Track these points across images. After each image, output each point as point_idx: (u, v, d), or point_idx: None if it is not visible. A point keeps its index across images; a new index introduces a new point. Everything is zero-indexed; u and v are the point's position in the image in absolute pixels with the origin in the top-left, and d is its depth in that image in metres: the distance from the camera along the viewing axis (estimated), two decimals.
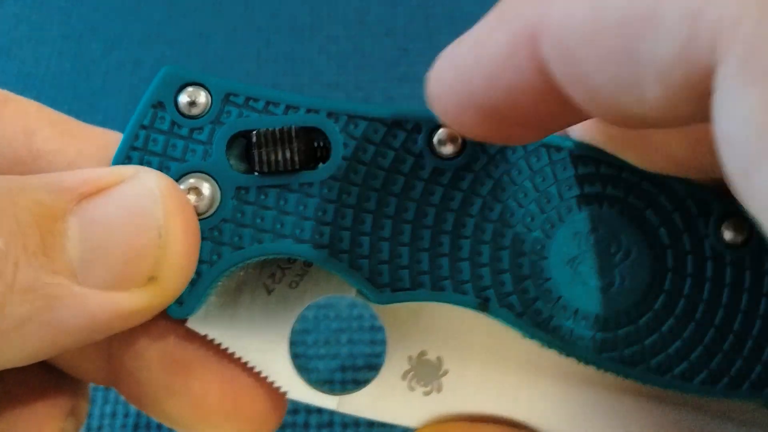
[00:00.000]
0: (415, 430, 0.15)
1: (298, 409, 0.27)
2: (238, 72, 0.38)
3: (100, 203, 0.12)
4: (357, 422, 0.27)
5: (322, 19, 0.40)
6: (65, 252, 0.11)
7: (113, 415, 0.27)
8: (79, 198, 0.12)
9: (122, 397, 0.28)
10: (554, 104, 0.10)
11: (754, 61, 0.07)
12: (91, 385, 0.19)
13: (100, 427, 0.27)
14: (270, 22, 0.40)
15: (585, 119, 0.12)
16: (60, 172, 0.12)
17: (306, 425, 0.27)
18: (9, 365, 0.11)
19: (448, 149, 0.14)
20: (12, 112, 0.14)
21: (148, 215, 0.12)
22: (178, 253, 0.12)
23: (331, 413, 0.27)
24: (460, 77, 0.12)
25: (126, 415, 0.27)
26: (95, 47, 0.39)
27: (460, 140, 0.14)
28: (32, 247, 0.11)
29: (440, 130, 0.14)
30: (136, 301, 0.12)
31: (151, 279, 0.12)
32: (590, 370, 0.14)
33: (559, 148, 0.14)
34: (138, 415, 0.27)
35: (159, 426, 0.27)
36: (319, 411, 0.27)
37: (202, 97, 0.14)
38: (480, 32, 0.12)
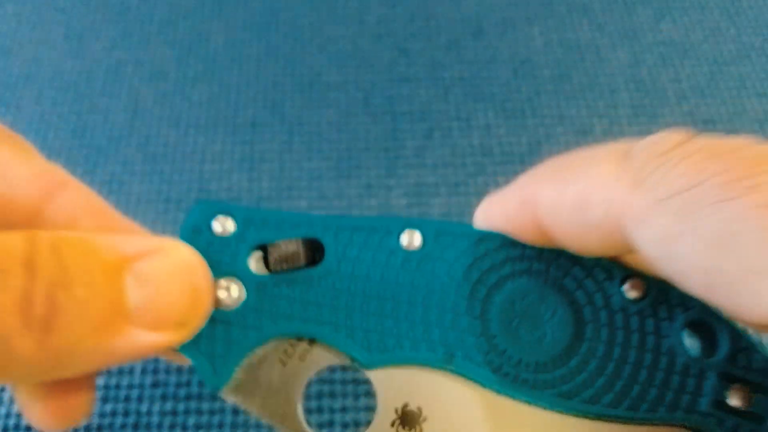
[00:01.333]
0: None
1: None
2: (238, 72, 0.38)
3: (150, 266, 0.16)
4: (357, 422, 0.27)
5: (322, 20, 0.41)
6: (124, 301, 0.15)
7: (113, 414, 0.27)
8: (135, 260, 0.16)
9: (122, 397, 0.28)
10: (540, 235, 0.18)
11: (643, 224, 0.15)
12: None
13: (99, 427, 0.27)
14: (270, 22, 0.41)
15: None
16: (122, 237, 0.16)
17: (307, 424, 0.27)
18: (69, 375, 0.15)
19: (409, 242, 0.20)
20: (66, 199, 0.18)
21: (185, 279, 0.16)
22: (202, 308, 0.17)
23: (332, 412, 0.27)
24: (492, 215, 0.19)
25: (126, 414, 0.27)
26: (96, 48, 0.39)
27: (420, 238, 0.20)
28: (102, 295, 0.15)
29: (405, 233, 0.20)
30: (167, 339, 0.16)
31: (181, 324, 0.16)
32: (552, 418, 0.18)
33: (486, 238, 0.19)
34: (138, 414, 0.27)
35: (159, 425, 0.27)
36: (319, 411, 0.27)
37: (230, 224, 0.19)
38: (503, 193, 0.19)
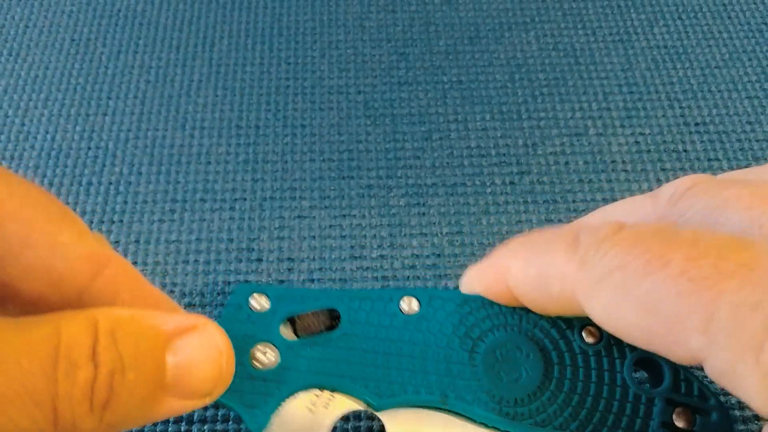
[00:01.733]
0: None
1: None
2: (242, 76, 0.39)
3: (187, 345, 0.18)
4: (358, 416, 0.27)
5: (324, 25, 0.41)
6: (164, 377, 0.17)
7: None
8: (173, 338, 0.18)
9: None
10: (512, 298, 0.23)
11: (590, 296, 0.19)
12: None
13: None
14: (273, 27, 0.41)
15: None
16: (162, 315, 0.18)
17: None
18: (110, 430, 0.17)
19: (406, 306, 0.24)
20: (110, 275, 0.19)
21: (215, 359, 0.19)
22: (226, 382, 0.19)
23: None
24: (473, 283, 0.24)
25: None
26: (103, 51, 0.40)
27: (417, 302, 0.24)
28: (149, 376, 0.17)
29: (403, 298, 0.24)
30: (195, 404, 0.19)
31: (208, 395, 0.19)
32: None
33: (469, 300, 0.24)
34: None
35: (163, 423, 0.27)
36: None
37: (264, 300, 0.24)
38: (482, 265, 0.23)
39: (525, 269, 0.21)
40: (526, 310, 0.23)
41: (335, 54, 0.40)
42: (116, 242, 0.33)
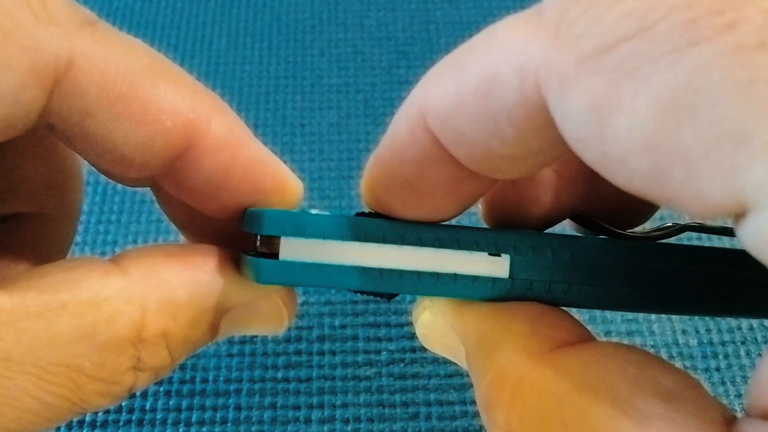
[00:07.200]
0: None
1: (299, 405, 0.27)
2: (240, 75, 0.38)
3: (243, 315, 0.17)
4: (358, 418, 0.27)
5: (323, 23, 0.41)
6: (217, 333, 0.17)
7: (117, 410, 0.27)
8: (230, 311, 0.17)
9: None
10: (454, 170, 0.14)
11: (565, 91, 0.11)
12: None
13: (104, 423, 0.27)
14: (272, 26, 0.41)
15: (489, 188, 0.15)
16: (223, 289, 0.17)
17: (308, 421, 0.27)
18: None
19: None
20: (201, 150, 0.16)
21: (273, 323, 0.18)
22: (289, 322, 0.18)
23: (332, 408, 0.27)
24: (380, 165, 0.16)
25: (130, 411, 0.27)
26: None
27: None
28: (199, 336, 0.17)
29: None
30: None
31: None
32: None
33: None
34: (142, 410, 0.27)
35: (163, 421, 0.27)
36: (320, 406, 0.27)
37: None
38: (391, 125, 0.15)
39: (456, 85, 0.13)
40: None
41: (335, 52, 0.39)
42: (114, 242, 0.32)
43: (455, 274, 0.16)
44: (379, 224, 0.16)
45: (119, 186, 0.34)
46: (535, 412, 0.13)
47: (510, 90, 0.12)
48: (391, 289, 0.16)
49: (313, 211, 0.17)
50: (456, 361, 0.17)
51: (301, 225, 0.16)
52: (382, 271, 0.16)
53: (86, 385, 0.15)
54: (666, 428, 0.11)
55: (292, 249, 0.16)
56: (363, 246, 0.16)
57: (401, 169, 0.15)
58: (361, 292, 0.17)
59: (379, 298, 0.17)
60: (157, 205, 0.33)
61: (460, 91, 0.13)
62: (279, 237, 0.16)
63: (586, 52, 0.11)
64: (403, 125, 0.14)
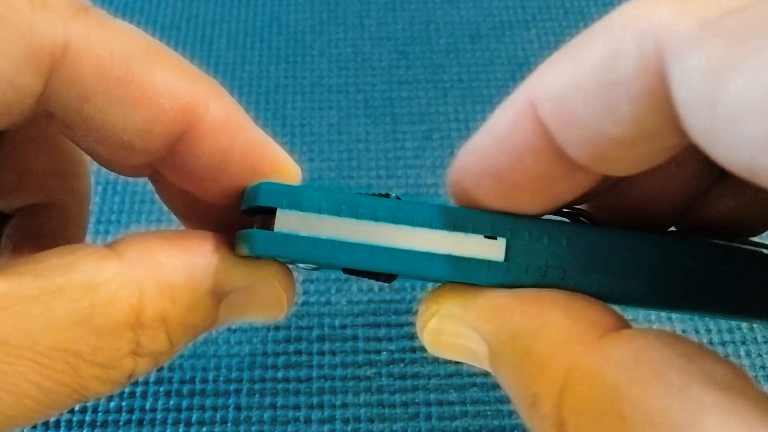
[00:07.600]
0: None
1: (299, 405, 0.28)
2: (240, 75, 0.38)
3: (240, 300, 0.17)
4: (358, 418, 0.27)
5: (323, 23, 0.41)
6: (216, 318, 0.17)
7: (117, 410, 0.27)
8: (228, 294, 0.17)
9: (126, 393, 0.28)
10: (554, 165, 0.14)
11: (689, 45, 0.11)
12: None
13: (104, 423, 0.27)
14: (272, 26, 0.41)
15: (581, 191, 0.15)
16: (220, 274, 0.16)
17: (308, 421, 0.27)
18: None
19: None
20: (199, 134, 0.16)
21: (272, 308, 0.18)
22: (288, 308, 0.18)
23: (332, 408, 0.27)
24: (474, 153, 0.15)
25: (130, 411, 0.27)
26: None
27: None
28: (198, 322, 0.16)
29: None
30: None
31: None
32: None
33: None
34: (142, 410, 0.27)
35: (163, 421, 0.27)
36: (321, 406, 0.28)
37: None
38: (492, 116, 0.15)
39: (573, 67, 0.13)
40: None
41: (335, 52, 0.39)
42: None
43: (450, 255, 0.16)
44: (373, 201, 0.16)
45: (119, 186, 0.34)
46: (590, 405, 0.12)
47: (630, 58, 0.11)
48: (383, 268, 0.16)
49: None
50: (473, 363, 0.16)
51: (298, 198, 0.16)
52: (374, 248, 0.16)
53: (85, 370, 0.14)
54: (723, 416, 0.11)
55: (288, 222, 0.16)
56: (358, 223, 0.16)
57: (497, 160, 0.14)
58: (356, 273, 0.16)
59: (375, 280, 0.17)
60: (157, 205, 0.33)
61: (577, 71, 0.12)
62: (275, 217, 0.16)
63: (710, 15, 0.10)
64: (508, 114, 0.14)
